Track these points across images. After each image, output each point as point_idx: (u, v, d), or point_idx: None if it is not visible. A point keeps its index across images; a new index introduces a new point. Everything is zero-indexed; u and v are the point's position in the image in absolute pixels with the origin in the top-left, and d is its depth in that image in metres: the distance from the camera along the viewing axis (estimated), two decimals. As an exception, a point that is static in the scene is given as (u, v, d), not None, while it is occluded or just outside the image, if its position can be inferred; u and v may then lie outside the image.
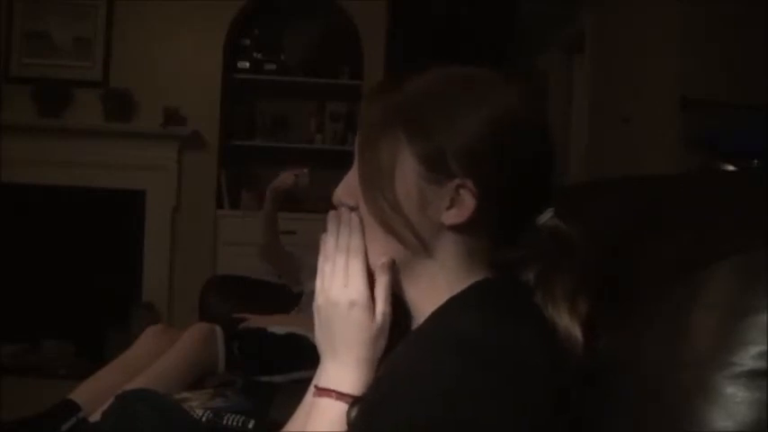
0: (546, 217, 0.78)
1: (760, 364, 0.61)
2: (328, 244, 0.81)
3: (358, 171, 0.80)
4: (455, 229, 0.76)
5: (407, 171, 0.76)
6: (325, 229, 0.82)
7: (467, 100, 0.76)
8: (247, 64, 4.32)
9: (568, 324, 0.73)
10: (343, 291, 0.78)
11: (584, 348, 0.73)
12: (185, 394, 1.80)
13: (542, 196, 0.78)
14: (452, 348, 0.68)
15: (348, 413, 0.75)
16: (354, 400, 0.76)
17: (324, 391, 0.78)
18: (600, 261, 0.79)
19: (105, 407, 1.30)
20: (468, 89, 0.77)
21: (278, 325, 2.34)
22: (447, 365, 0.66)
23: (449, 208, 0.75)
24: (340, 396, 0.77)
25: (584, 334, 0.73)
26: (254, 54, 4.34)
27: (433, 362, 0.68)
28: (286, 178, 2.69)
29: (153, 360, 2.05)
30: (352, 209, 0.81)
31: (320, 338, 0.81)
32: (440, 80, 0.78)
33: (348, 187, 0.82)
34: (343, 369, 0.78)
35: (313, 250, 0.85)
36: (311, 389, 0.87)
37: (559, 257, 0.76)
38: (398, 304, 0.81)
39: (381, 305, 0.78)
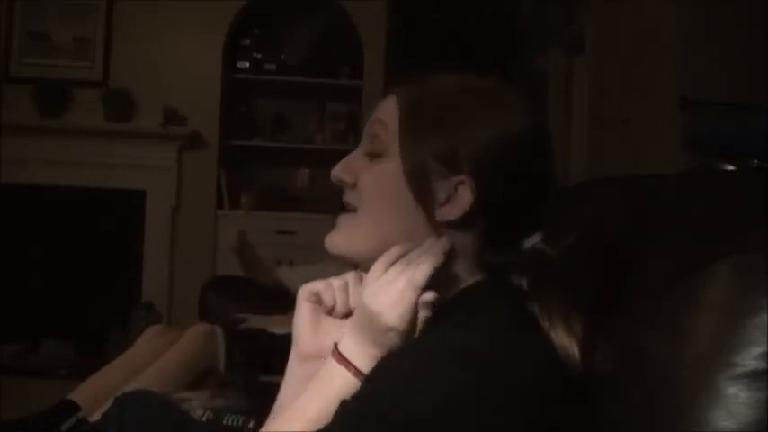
0: (533, 241, 0.79)
1: (761, 365, 0.61)
2: (398, 255, 0.77)
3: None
4: (447, 225, 0.77)
5: None
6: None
7: (492, 114, 0.78)
8: (247, 64, 4.32)
9: (566, 344, 0.73)
10: (389, 311, 0.74)
11: (583, 365, 0.73)
12: (185, 394, 1.79)
13: (533, 219, 0.80)
14: (459, 355, 0.68)
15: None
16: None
17: (344, 361, 0.76)
18: (588, 280, 0.79)
19: (105, 407, 1.30)
20: (495, 103, 0.80)
21: (278, 325, 2.33)
22: (450, 371, 0.67)
23: (443, 204, 0.77)
24: (356, 373, 0.75)
25: (582, 350, 0.73)
26: (254, 54, 4.33)
27: (434, 366, 0.68)
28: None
29: (153, 360, 2.05)
30: (351, 186, 0.82)
31: (363, 318, 0.77)
32: (470, 87, 0.81)
33: (348, 166, 0.83)
34: (366, 352, 0.76)
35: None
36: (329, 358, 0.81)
37: (547, 283, 0.76)
38: None
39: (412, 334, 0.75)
